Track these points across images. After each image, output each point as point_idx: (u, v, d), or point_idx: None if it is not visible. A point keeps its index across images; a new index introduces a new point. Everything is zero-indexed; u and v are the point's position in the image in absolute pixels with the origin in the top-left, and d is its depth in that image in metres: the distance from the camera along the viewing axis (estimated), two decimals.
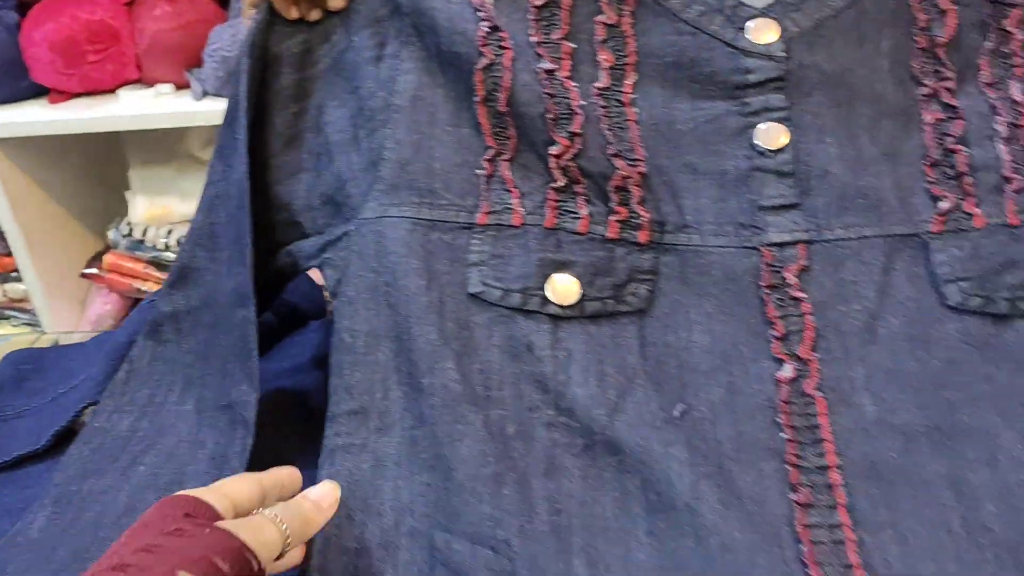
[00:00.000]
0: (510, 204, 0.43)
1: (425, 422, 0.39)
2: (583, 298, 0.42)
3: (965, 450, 0.38)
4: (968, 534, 0.36)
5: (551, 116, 0.43)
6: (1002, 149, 0.43)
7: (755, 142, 0.44)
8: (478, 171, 0.44)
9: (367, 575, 0.37)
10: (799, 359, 0.40)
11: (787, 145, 0.44)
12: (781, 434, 0.39)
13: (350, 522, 0.38)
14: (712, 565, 0.36)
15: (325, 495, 0.36)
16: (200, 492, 0.33)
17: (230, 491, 0.33)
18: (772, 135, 0.44)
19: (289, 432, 0.45)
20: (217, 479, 0.41)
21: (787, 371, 0.40)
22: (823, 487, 0.38)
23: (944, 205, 0.42)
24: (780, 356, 0.41)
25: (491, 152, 0.44)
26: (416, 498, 0.38)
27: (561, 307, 0.42)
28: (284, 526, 0.33)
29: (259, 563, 0.31)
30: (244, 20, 0.45)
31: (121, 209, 0.97)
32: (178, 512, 0.31)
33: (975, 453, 0.38)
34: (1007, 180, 0.42)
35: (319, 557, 0.37)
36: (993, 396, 0.39)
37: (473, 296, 0.42)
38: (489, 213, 0.43)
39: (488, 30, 0.43)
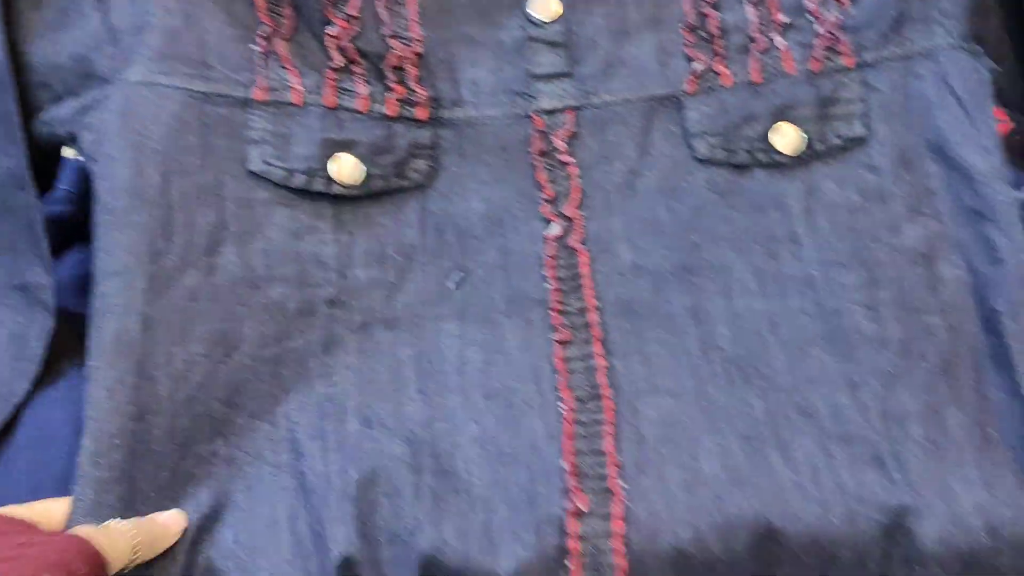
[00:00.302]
0: (288, 82, 0.44)
1: (201, 298, 0.41)
2: (367, 177, 0.44)
3: (705, 284, 0.43)
4: (703, 353, 0.41)
5: None
6: (750, 11, 0.46)
7: (529, 12, 0.46)
8: (253, 47, 0.44)
9: (144, 440, 0.38)
10: (565, 217, 0.44)
11: (560, 16, 0.46)
12: (546, 285, 0.43)
13: (122, 385, 0.39)
14: (477, 412, 0.40)
15: (173, 521, 0.37)
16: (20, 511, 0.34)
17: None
18: (546, 6, 0.46)
19: (79, 324, 0.44)
20: (17, 359, 0.42)
21: (554, 229, 0.44)
22: (582, 326, 0.42)
23: (697, 66, 0.46)
24: (549, 216, 0.44)
25: (266, 30, 0.44)
26: (192, 367, 0.40)
27: (345, 187, 0.44)
28: (135, 540, 0.34)
29: (109, 571, 0.32)
30: None
31: None
32: (15, 528, 0.32)
33: (713, 286, 0.43)
34: (752, 40, 0.46)
35: (96, 422, 0.38)
36: (731, 236, 0.44)
37: (254, 175, 0.43)
38: (267, 90, 0.44)
39: None
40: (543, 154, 0.45)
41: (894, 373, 0.40)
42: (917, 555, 0.37)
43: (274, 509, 0.38)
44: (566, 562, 0.36)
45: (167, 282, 0.40)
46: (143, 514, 0.37)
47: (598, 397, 0.40)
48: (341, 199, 0.44)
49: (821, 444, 0.39)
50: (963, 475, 0.38)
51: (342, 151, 0.44)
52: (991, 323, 0.41)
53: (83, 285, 0.43)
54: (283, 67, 0.44)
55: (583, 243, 0.44)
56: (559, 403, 0.40)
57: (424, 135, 0.45)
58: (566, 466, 0.38)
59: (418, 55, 0.45)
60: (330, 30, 0.44)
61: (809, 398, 0.40)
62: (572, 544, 0.37)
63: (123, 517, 0.36)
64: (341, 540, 0.37)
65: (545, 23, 0.46)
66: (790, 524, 0.37)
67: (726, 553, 0.36)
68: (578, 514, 0.37)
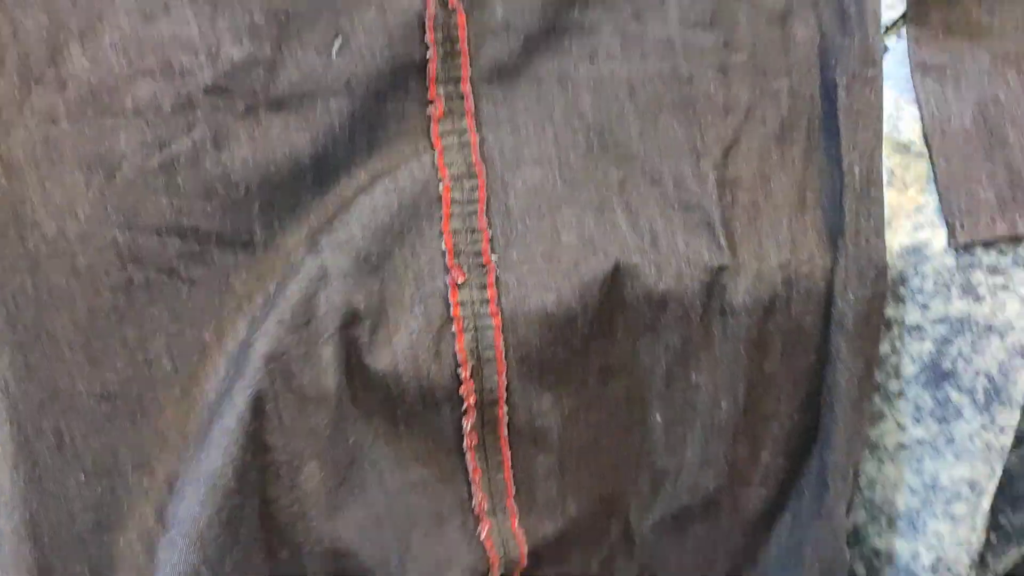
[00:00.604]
0: None
1: (60, 119, 0.37)
2: None
3: (572, 47, 0.44)
4: (566, 121, 0.44)
5: None
6: None
7: None
8: None
9: (45, 289, 0.37)
10: None
11: None
12: (426, 49, 0.42)
13: (6, 239, 0.36)
14: (366, 193, 0.41)
15: None
16: None
17: None
18: None
19: None
20: None
21: None
22: (456, 97, 0.43)
23: None
24: None
25: None
26: (75, 198, 0.37)
27: None
28: None
29: None
30: None
31: None
32: None
33: (579, 49, 0.44)
34: None
35: None
36: None
37: None
38: None
39: None
40: None
41: (735, 139, 0.44)
42: (729, 307, 0.44)
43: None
44: (452, 327, 0.42)
45: (15, 110, 0.36)
46: (67, 361, 0.37)
47: (473, 175, 0.42)
48: None
49: (663, 211, 0.44)
50: (775, 237, 0.45)
51: None
52: (829, 92, 0.45)
53: None
54: None
55: None
56: (438, 181, 0.42)
57: None
58: (445, 246, 0.42)
59: None
60: None
61: (658, 167, 0.44)
62: (455, 311, 0.42)
63: (47, 374, 0.37)
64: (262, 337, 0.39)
65: None
66: (632, 282, 0.43)
67: (582, 309, 0.43)
68: (458, 286, 0.42)
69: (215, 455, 0.38)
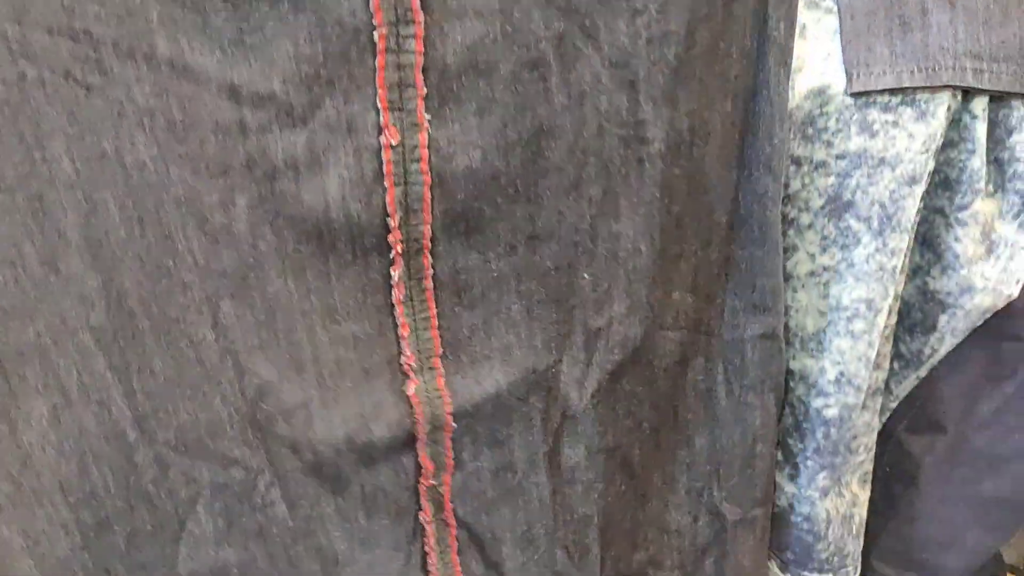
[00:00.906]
0: None
1: None
2: None
3: None
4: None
5: None
6: None
7: None
8: None
9: None
10: None
11: None
12: None
13: None
14: (292, 31, 0.39)
15: None
16: None
17: None
18: None
19: None
20: None
21: None
22: None
23: None
24: None
25: None
26: None
27: None
28: None
29: None
30: None
31: None
32: None
33: None
34: None
35: None
36: None
37: None
38: None
39: None
40: None
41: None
42: (647, 155, 0.46)
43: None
44: (384, 182, 0.42)
45: None
46: None
47: (410, 21, 0.40)
48: None
49: (594, 69, 0.44)
50: (689, 86, 0.46)
51: None
52: None
53: None
54: None
55: None
56: (372, 28, 0.40)
57: None
58: (380, 103, 0.41)
59: None
60: None
61: (596, 21, 0.43)
62: (387, 168, 0.42)
63: None
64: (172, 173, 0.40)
65: None
66: (555, 137, 0.44)
67: (505, 167, 0.44)
68: (391, 146, 0.42)
69: (132, 283, 0.40)
